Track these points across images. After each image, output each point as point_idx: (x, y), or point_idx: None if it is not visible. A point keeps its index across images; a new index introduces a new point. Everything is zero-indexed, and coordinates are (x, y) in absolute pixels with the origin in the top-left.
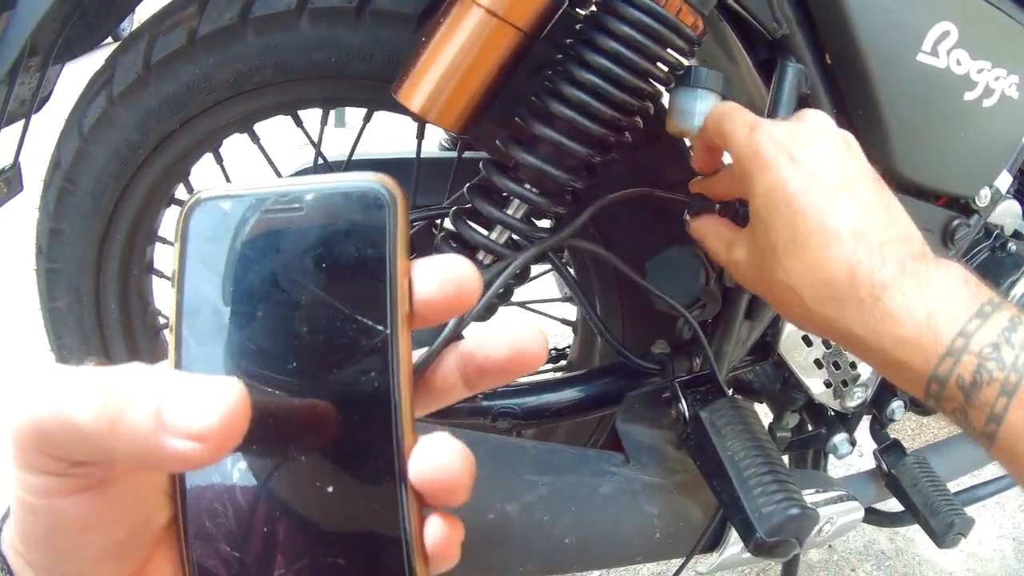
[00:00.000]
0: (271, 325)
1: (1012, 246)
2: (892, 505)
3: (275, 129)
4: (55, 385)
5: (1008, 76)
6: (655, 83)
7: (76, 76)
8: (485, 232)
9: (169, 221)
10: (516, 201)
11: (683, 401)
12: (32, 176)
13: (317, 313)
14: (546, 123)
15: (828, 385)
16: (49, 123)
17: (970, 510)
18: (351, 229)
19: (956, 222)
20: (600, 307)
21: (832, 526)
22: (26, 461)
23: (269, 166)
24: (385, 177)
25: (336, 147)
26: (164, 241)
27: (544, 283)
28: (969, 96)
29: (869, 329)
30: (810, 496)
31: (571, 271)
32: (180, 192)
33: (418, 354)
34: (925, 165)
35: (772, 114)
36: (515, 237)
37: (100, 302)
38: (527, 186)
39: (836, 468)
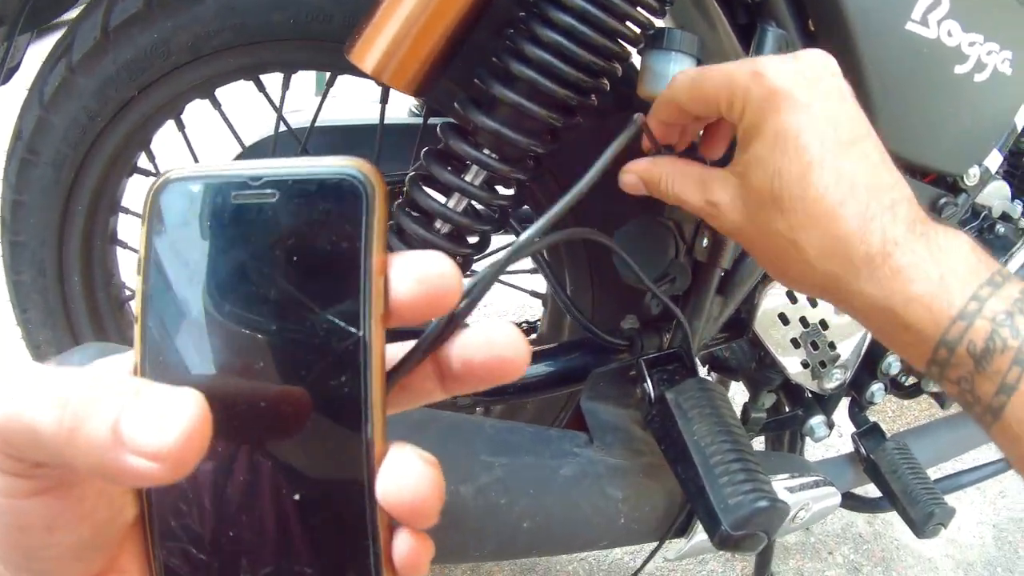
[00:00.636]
0: (239, 321)
1: (1000, 228)
2: (871, 490)
3: (240, 95)
4: (18, 388)
5: (1001, 51)
6: (623, 43)
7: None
8: (443, 199)
9: (131, 191)
10: (475, 167)
11: (649, 380)
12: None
13: (287, 310)
14: (506, 84)
15: (805, 365)
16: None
17: (950, 497)
18: (326, 220)
19: (943, 200)
20: (569, 281)
21: (807, 512)
22: None
23: (231, 133)
24: (364, 163)
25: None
26: (127, 212)
27: None
28: (960, 69)
29: (879, 287)
30: (785, 481)
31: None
32: (142, 161)
33: (394, 349)
34: (911, 139)
35: None
36: (475, 204)
37: (63, 275)
38: (486, 151)
39: (816, 449)
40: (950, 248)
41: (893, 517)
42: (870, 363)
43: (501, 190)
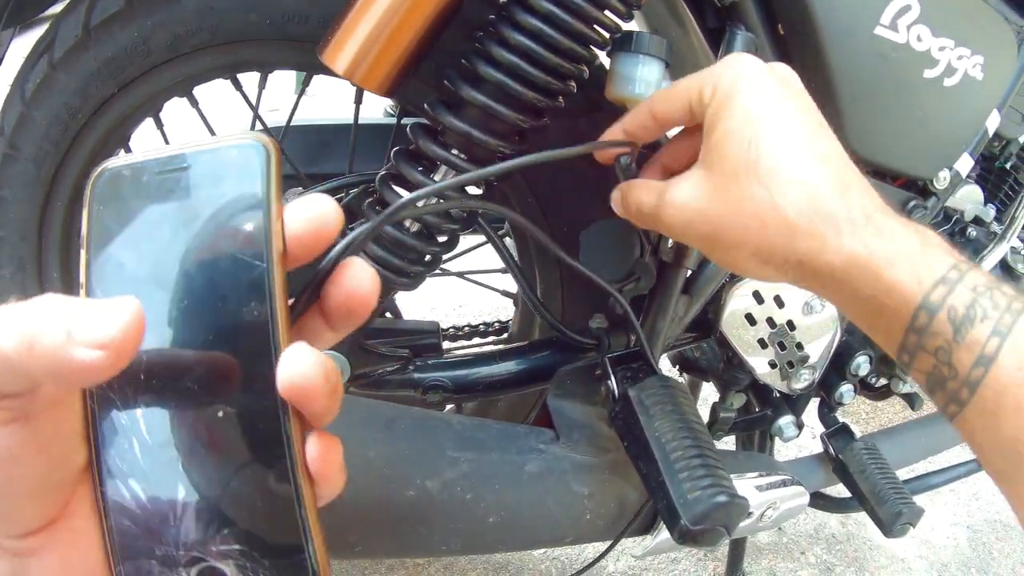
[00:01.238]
0: (166, 269)
1: (972, 232)
2: (841, 490)
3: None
4: None
5: (972, 56)
6: (591, 47)
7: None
8: None
9: None
10: (443, 167)
11: (613, 378)
12: None
13: (205, 254)
14: (475, 86)
15: (773, 366)
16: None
17: (923, 498)
18: (232, 180)
19: (912, 203)
20: (539, 280)
21: (775, 511)
22: None
23: (209, 131)
24: (261, 135)
25: (302, 114)
26: None
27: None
28: (929, 74)
29: (862, 243)
30: (753, 479)
31: (509, 244)
32: None
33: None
34: (880, 143)
35: None
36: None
37: (42, 271)
38: (454, 151)
39: (788, 450)
40: (925, 228)
41: (866, 518)
42: (839, 364)
43: (471, 190)
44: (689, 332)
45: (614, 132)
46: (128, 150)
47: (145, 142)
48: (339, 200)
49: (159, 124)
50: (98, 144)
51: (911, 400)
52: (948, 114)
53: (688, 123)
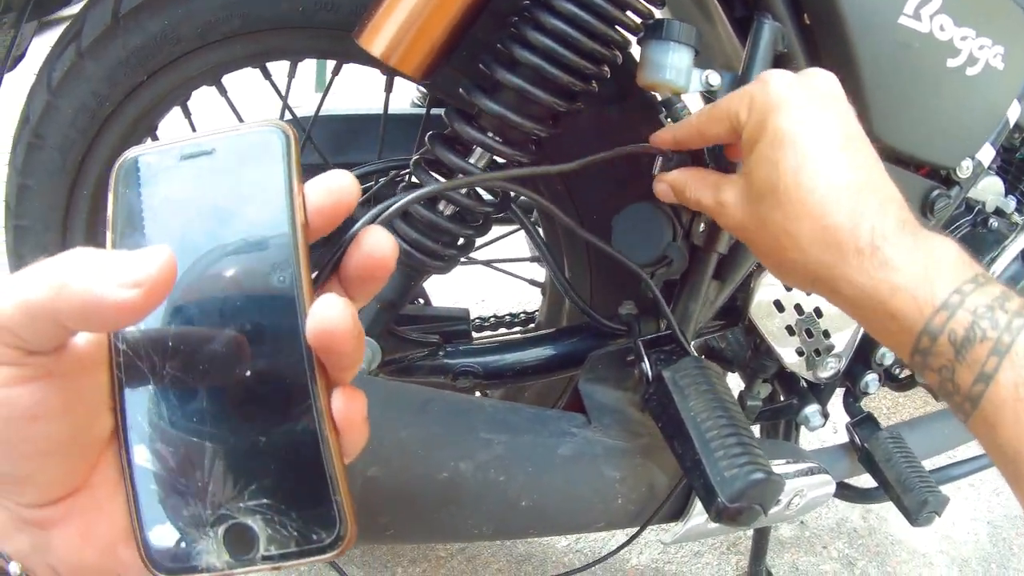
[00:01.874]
0: (192, 244)
1: (993, 222)
2: (865, 482)
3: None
4: (9, 282)
5: (993, 46)
6: (623, 31)
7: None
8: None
9: None
10: (479, 150)
11: (646, 360)
12: (6, 135)
13: (230, 228)
14: (510, 70)
15: (800, 354)
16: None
17: (945, 492)
18: (254, 162)
19: (936, 192)
20: (568, 267)
21: (802, 499)
22: None
23: (237, 121)
24: (281, 122)
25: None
26: None
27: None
28: (952, 63)
29: (867, 276)
30: (779, 467)
31: (540, 231)
32: None
33: None
34: (904, 131)
35: (746, 72)
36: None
37: None
38: (490, 134)
39: (809, 444)
40: (936, 248)
41: (888, 512)
42: (864, 353)
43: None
44: (718, 320)
45: (664, 136)
46: (155, 139)
47: (173, 131)
48: (369, 187)
49: (187, 113)
50: (125, 132)
51: (934, 391)
52: (970, 103)
53: (733, 140)
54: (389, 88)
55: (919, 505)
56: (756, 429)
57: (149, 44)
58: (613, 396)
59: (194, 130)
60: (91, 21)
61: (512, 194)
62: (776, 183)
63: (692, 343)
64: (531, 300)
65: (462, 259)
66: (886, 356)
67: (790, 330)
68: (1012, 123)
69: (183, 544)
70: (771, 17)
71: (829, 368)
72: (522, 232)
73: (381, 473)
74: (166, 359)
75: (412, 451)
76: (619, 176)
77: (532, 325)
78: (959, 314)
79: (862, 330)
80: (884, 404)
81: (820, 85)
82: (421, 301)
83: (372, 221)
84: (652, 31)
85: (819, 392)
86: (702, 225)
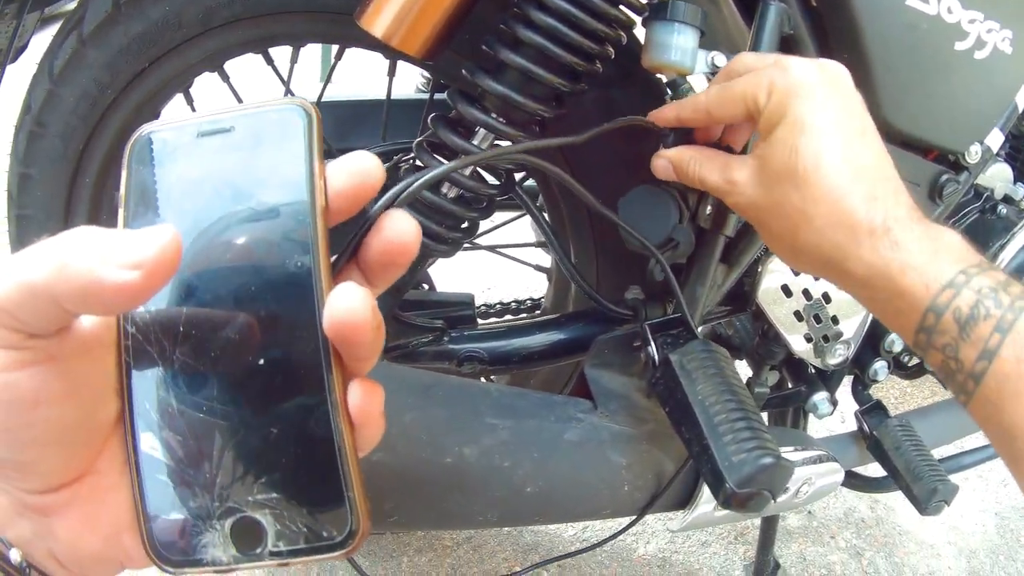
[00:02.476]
0: (207, 225)
1: (1002, 209)
2: (874, 470)
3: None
4: (9, 263)
5: (1001, 30)
6: (627, 12)
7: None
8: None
9: None
10: (482, 131)
11: (653, 344)
12: (7, 125)
13: (247, 209)
14: (514, 49)
15: (809, 340)
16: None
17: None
18: (274, 140)
19: (945, 177)
20: (574, 253)
21: (810, 487)
22: None
23: None
24: (302, 99)
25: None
26: None
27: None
28: (960, 46)
29: (878, 255)
30: (788, 454)
31: (545, 216)
32: None
33: None
34: (913, 114)
35: None
36: (480, 170)
37: None
38: (493, 115)
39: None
40: (944, 234)
41: (895, 503)
42: (873, 340)
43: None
44: (725, 305)
45: (666, 113)
46: None
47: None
48: None
49: (189, 99)
50: (127, 119)
51: (936, 371)
52: (979, 87)
53: (744, 122)
54: (392, 73)
55: (929, 493)
56: (764, 416)
57: (151, 30)
58: (619, 381)
59: None
60: (93, 8)
61: (516, 177)
62: (795, 167)
63: (699, 329)
64: (537, 287)
65: (468, 245)
66: (895, 343)
67: (798, 316)
68: (1021, 109)
69: (189, 536)
70: None
71: (838, 355)
72: (527, 218)
73: (385, 458)
74: (177, 344)
75: (416, 436)
76: (625, 158)
77: (538, 312)
78: (964, 292)
79: (871, 316)
80: (892, 394)
81: (835, 73)
82: (426, 286)
83: (392, 203)
84: (657, 11)
85: (827, 379)
86: (709, 207)
